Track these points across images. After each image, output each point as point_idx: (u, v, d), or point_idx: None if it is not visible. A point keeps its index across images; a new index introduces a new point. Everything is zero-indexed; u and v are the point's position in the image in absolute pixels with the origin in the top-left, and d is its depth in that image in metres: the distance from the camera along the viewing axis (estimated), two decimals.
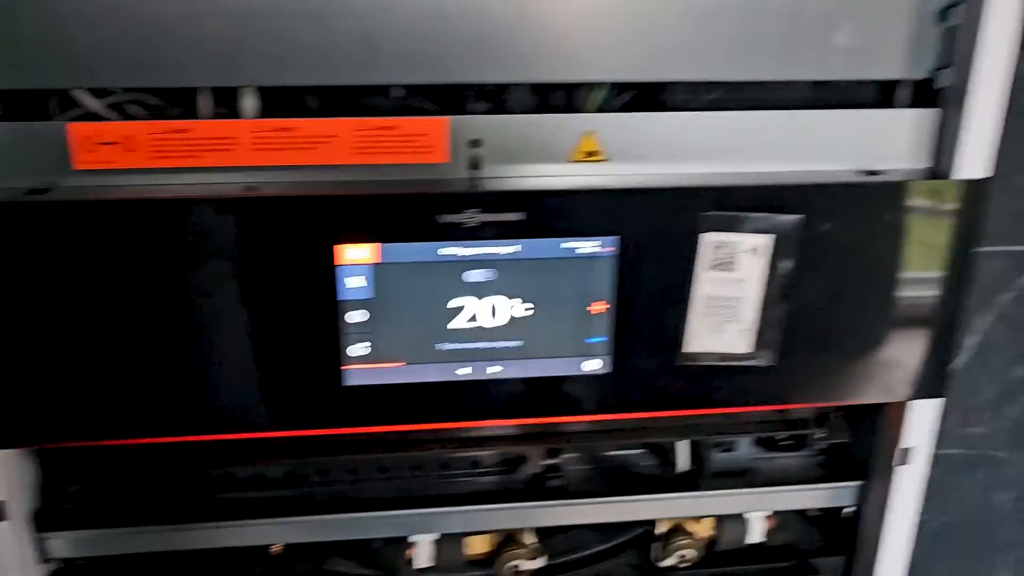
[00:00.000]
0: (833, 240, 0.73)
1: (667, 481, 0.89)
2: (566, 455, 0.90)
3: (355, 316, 0.70)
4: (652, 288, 0.73)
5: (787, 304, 0.74)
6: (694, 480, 0.88)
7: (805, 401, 0.79)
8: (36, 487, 0.82)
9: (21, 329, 0.67)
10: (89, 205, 0.65)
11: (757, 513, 0.90)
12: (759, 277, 0.73)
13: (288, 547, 0.88)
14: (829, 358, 0.77)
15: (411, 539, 0.84)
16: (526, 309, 0.72)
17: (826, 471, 0.93)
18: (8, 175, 0.67)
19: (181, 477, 0.83)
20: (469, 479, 0.87)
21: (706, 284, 0.72)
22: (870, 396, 0.79)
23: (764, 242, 0.72)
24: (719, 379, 0.76)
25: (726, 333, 0.74)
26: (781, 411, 0.87)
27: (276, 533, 0.83)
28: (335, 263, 0.68)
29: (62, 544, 0.80)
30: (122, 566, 0.86)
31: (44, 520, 0.81)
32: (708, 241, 0.71)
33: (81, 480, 0.81)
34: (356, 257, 0.68)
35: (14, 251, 0.64)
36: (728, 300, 0.73)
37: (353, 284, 0.69)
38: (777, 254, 0.72)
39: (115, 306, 0.67)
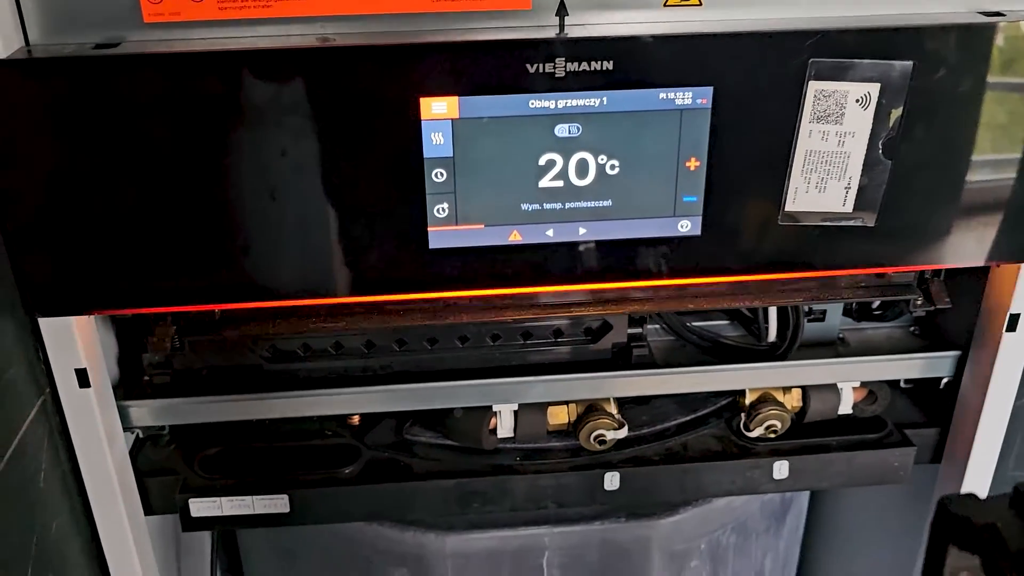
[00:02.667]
0: (947, 89, 0.67)
1: (755, 351, 0.86)
2: (651, 327, 0.87)
3: (435, 176, 0.66)
4: (749, 143, 0.68)
5: (893, 159, 0.69)
6: (784, 349, 0.85)
7: (908, 264, 0.75)
8: (115, 357, 0.83)
9: (92, 190, 0.64)
10: (160, 58, 0.61)
11: (848, 383, 0.86)
12: (866, 129, 0.67)
13: (367, 417, 0.88)
14: (934, 218, 0.72)
15: (494, 408, 0.83)
16: (613, 166, 0.67)
17: (922, 341, 0.89)
18: (76, 30, 0.63)
19: (260, 346, 0.83)
20: (551, 348, 0.85)
21: (808, 138, 0.67)
22: (978, 258, 0.74)
23: (873, 91, 0.66)
24: (817, 240, 0.72)
25: (828, 191, 0.69)
26: (879, 276, 0.82)
27: (354, 403, 0.82)
28: (418, 117, 0.64)
29: (144, 413, 0.81)
30: (204, 435, 0.86)
31: (125, 389, 0.82)
32: (812, 91, 0.66)
33: (169, 349, 0.81)
34: (435, 112, 0.64)
35: (85, 107, 0.62)
36: (831, 155, 0.68)
37: (434, 141, 0.65)
38: (886, 104, 0.67)
39: (187, 165, 0.64)
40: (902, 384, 0.92)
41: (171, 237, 0.67)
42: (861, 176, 0.69)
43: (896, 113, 0.67)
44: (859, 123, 0.67)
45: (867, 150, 0.68)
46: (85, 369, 0.72)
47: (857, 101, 0.66)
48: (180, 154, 0.64)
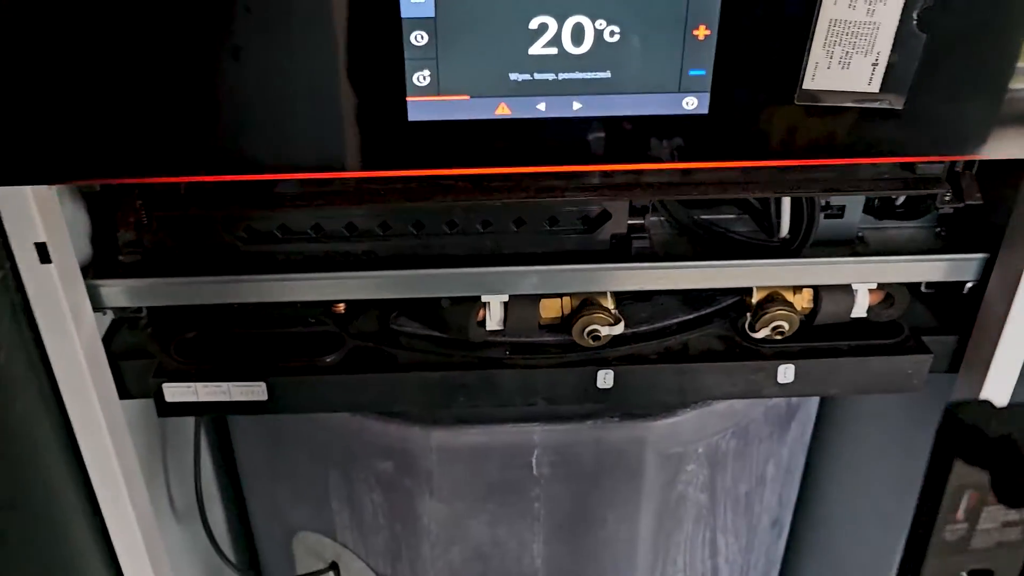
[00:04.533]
0: None
1: (766, 246, 0.81)
2: (654, 219, 0.81)
3: (414, 39, 0.60)
4: (766, 9, 0.60)
5: (928, 33, 0.61)
6: (796, 245, 0.79)
7: (937, 154, 0.68)
8: (87, 234, 0.79)
9: (40, 50, 0.59)
10: None
11: (864, 285, 0.80)
12: None
13: (351, 305, 0.84)
14: (970, 104, 0.65)
15: (483, 299, 0.78)
16: (612, 32, 0.60)
17: (947, 242, 0.83)
18: None
19: (235, 226, 0.78)
20: (546, 237, 0.79)
21: (833, 5, 0.60)
22: (1016, 150, 0.67)
23: None
24: (837, 124, 0.65)
25: (853, 67, 0.62)
26: (904, 167, 0.75)
27: (336, 288, 0.78)
28: None
29: (114, 292, 0.76)
30: (183, 319, 0.83)
31: (97, 268, 0.78)
32: None
33: (135, 226, 0.76)
34: None
35: None
36: (858, 25, 0.61)
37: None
38: None
39: (144, 21, 0.58)
40: (923, 289, 0.86)
41: (127, 101, 0.61)
42: (891, 51, 0.62)
43: None
44: None
45: (900, 21, 0.60)
46: (45, 243, 0.68)
47: None
48: (137, 9, 0.58)
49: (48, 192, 0.68)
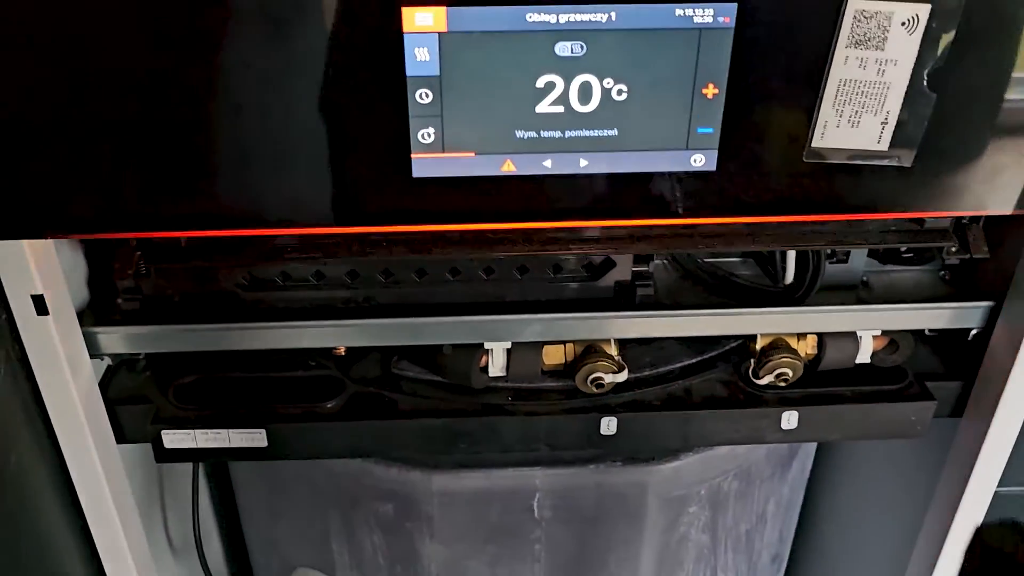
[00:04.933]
0: (1007, 12, 0.58)
1: (770, 292, 0.80)
2: (658, 263, 0.81)
3: (419, 96, 0.59)
4: (775, 69, 0.60)
5: (939, 92, 0.61)
6: (801, 293, 0.78)
7: (945, 209, 0.67)
8: (85, 280, 0.78)
9: (40, 105, 0.58)
10: None
11: (869, 332, 0.80)
12: (911, 57, 0.59)
13: (352, 348, 0.83)
14: (978, 159, 0.64)
15: (486, 346, 0.78)
16: (620, 91, 0.60)
17: (951, 287, 0.82)
18: None
19: (235, 273, 0.77)
20: (549, 284, 0.78)
21: (844, 65, 0.59)
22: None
23: (922, 13, 0.58)
24: (846, 180, 0.64)
25: (862, 125, 0.62)
26: (912, 220, 0.75)
27: (337, 336, 0.77)
28: (401, 30, 0.56)
29: (113, 340, 0.76)
30: (180, 362, 0.82)
31: (96, 314, 0.77)
32: (852, 10, 0.57)
33: (133, 276, 0.75)
34: (420, 24, 0.57)
35: (30, 9, 0.54)
36: (869, 85, 0.60)
37: (418, 57, 0.58)
38: (936, 28, 0.58)
39: (146, 77, 0.57)
40: (926, 332, 0.85)
41: (128, 157, 0.60)
42: (901, 110, 0.61)
43: (947, 39, 0.59)
44: (903, 50, 0.59)
45: (910, 81, 0.60)
46: (42, 295, 0.67)
47: (903, 24, 0.58)
48: (140, 64, 0.57)
49: (45, 245, 0.67)
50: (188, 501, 0.97)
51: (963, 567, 0.29)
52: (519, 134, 0.61)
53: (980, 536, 0.27)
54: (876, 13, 0.58)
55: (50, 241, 0.67)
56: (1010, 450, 0.81)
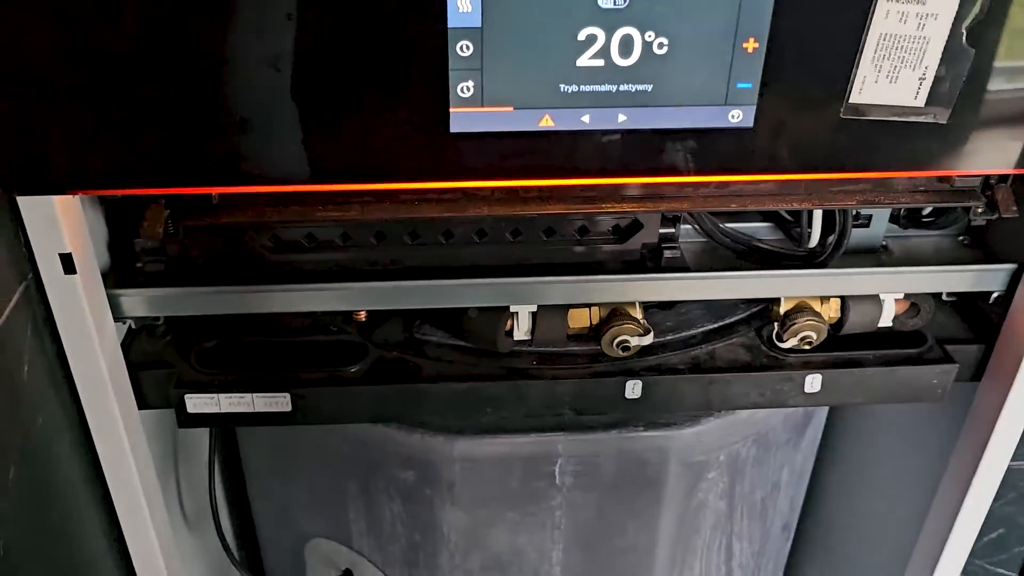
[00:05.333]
0: None
1: (794, 256, 0.80)
2: (683, 228, 0.81)
3: (460, 49, 0.59)
4: (816, 23, 0.60)
5: (976, 48, 0.61)
6: (826, 256, 0.79)
7: (977, 167, 0.68)
8: (106, 243, 0.77)
9: (72, 56, 0.57)
10: None
11: (892, 295, 0.80)
12: (951, 11, 0.59)
13: (372, 313, 0.82)
14: (1010, 117, 0.65)
15: (511, 309, 0.77)
16: (661, 44, 0.60)
17: (971, 251, 0.83)
18: None
19: (261, 235, 0.76)
20: (576, 247, 0.78)
21: (885, 19, 0.59)
22: None
23: None
24: (881, 137, 0.64)
25: (900, 81, 0.62)
26: (941, 179, 0.75)
27: (362, 298, 0.76)
28: None
29: (136, 302, 0.75)
30: (201, 326, 0.81)
31: (116, 276, 0.76)
32: None
33: (163, 234, 0.74)
34: None
35: None
36: (908, 40, 0.60)
37: (460, 8, 0.57)
38: None
39: (180, 28, 0.57)
40: (944, 296, 0.86)
41: (162, 110, 0.60)
42: (939, 66, 0.61)
43: None
44: (944, 4, 0.59)
45: (949, 36, 0.60)
46: (70, 254, 0.66)
47: None
48: (174, 20, 0.56)
49: (73, 202, 0.66)
50: (202, 470, 0.96)
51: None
52: (559, 88, 0.61)
53: None
54: None
55: (77, 199, 0.66)
56: None
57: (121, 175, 0.63)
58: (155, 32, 0.57)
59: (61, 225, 0.65)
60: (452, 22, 0.58)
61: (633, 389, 0.79)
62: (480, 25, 0.58)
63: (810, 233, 0.79)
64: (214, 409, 0.78)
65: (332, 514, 0.97)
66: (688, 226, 0.82)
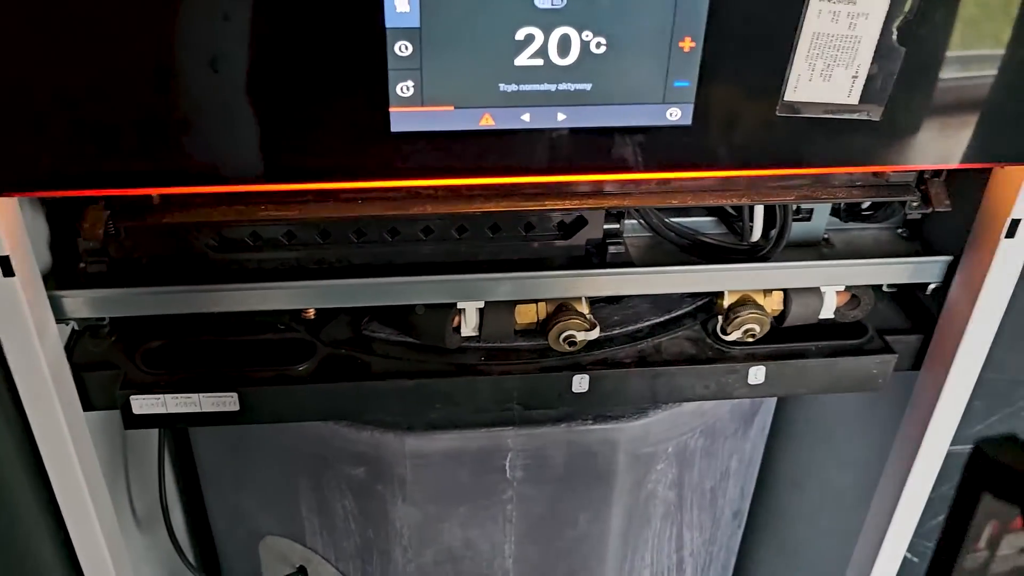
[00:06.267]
0: None
1: (737, 250, 0.81)
2: (627, 223, 0.82)
3: (398, 49, 0.59)
4: (751, 22, 0.61)
5: (906, 46, 0.62)
6: (768, 250, 0.80)
7: (911, 163, 0.69)
8: (47, 243, 0.76)
9: (2, 54, 0.56)
10: None
11: (832, 287, 0.82)
12: (882, 10, 0.60)
13: (321, 310, 0.82)
14: (942, 114, 0.66)
15: (458, 306, 0.78)
16: (599, 44, 0.60)
17: (910, 243, 0.85)
18: None
19: (205, 234, 0.76)
20: (521, 243, 0.79)
21: (817, 18, 0.60)
22: (985, 158, 0.69)
23: None
24: (816, 134, 0.66)
25: (834, 79, 0.63)
26: (876, 175, 0.77)
27: (309, 297, 0.76)
28: None
29: (79, 304, 0.74)
30: (147, 326, 0.80)
31: (58, 277, 0.75)
32: None
33: (102, 235, 0.73)
34: None
35: None
36: (840, 39, 0.61)
37: (398, 7, 0.57)
38: None
39: (116, 28, 0.56)
40: (884, 288, 0.88)
41: (99, 111, 0.59)
42: (871, 64, 0.63)
43: None
44: (874, 3, 0.60)
45: (880, 34, 0.61)
46: (7, 257, 0.65)
47: None
48: (107, 16, 0.56)
49: (10, 203, 0.65)
50: (152, 470, 0.96)
51: (963, 479, 0.30)
52: (498, 87, 0.61)
53: (980, 449, 0.28)
54: None
55: (14, 200, 0.66)
56: (966, 400, 0.84)
57: (57, 177, 0.62)
58: (91, 32, 0.56)
59: None
60: (390, 22, 0.58)
61: (580, 383, 0.80)
62: (419, 25, 0.58)
63: (752, 227, 0.80)
64: (160, 410, 0.78)
65: (285, 511, 0.97)
66: (633, 221, 0.82)
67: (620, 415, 0.87)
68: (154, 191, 0.69)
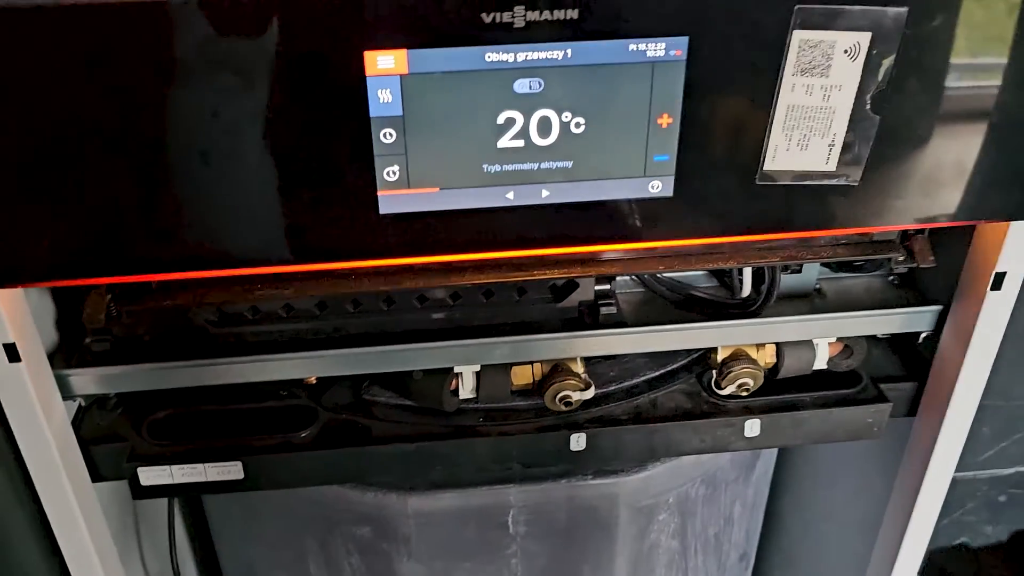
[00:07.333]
0: (942, 38, 0.61)
1: (729, 304, 0.83)
2: (620, 279, 0.83)
3: (383, 136, 0.61)
4: (726, 98, 0.62)
5: (881, 114, 0.64)
6: (758, 305, 0.81)
7: (892, 223, 0.70)
8: (53, 323, 0.78)
9: (5, 155, 0.58)
10: (79, 10, 0.54)
11: (824, 339, 0.83)
12: (854, 82, 0.62)
13: (323, 378, 0.84)
14: (921, 176, 0.68)
15: (455, 370, 0.79)
16: (578, 124, 0.62)
17: (901, 291, 0.86)
18: None
19: (205, 309, 0.78)
20: (514, 307, 0.80)
21: (791, 92, 0.62)
22: (965, 216, 0.70)
23: (863, 40, 0.60)
24: (797, 200, 0.67)
25: (810, 148, 0.64)
26: (860, 234, 0.78)
27: (308, 367, 0.78)
28: (363, 73, 0.58)
29: (85, 381, 0.76)
30: (152, 397, 0.82)
31: (66, 354, 0.77)
32: (797, 40, 0.60)
33: (104, 319, 0.75)
34: (382, 67, 0.58)
35: None
36: (815, 110, 0.63)
37: (381, 98, 0.59)
38: (877, 55, 0.61)
39: (110, 129, 0.58)
40: (879, 336, 0.88)
41: (97, 206, 0.61)
42: (847, 132, 0.64)
43: (887, 64, 0.61)
44: (847, 76, 0.62)
45: (854, 105, 0.63)
46: (14, 344, 0.67)
47: (845, 52, 0.61)
48: (103, 116, 0.58)
49: (15, 293, 0.67)
50: (164, 533, 0.97)
51: None
52: (482, 168, 0.63)
53: (930, 559, 0.29)
54: (820, 42, 0.60)
55: (19, 289, 0.68)
56: (962, 444, 0.84)
57: (59, 268, 0.64)
58: (85, 132, 0.58)
59: (3, 316, 0.66)
60: (374, 111, 0.60)
61: (577, 442, 0.81)
62: (401, 114, 0.60)
63: (742, 281, 0.81)
64: (167, 480, 0.79)
65: (295, 571, 0.98)
66: (626, 277, 0.84)
67: (619, 469, 0.89)
68: (151, 278, 0.71)
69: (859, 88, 0.62)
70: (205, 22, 0.55)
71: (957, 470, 0.86)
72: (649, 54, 0.60)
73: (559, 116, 0.61)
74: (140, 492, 0.80)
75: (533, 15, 0.57)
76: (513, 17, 0.57)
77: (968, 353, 0.79)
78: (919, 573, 0.32)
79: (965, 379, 0.80)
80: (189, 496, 1.10)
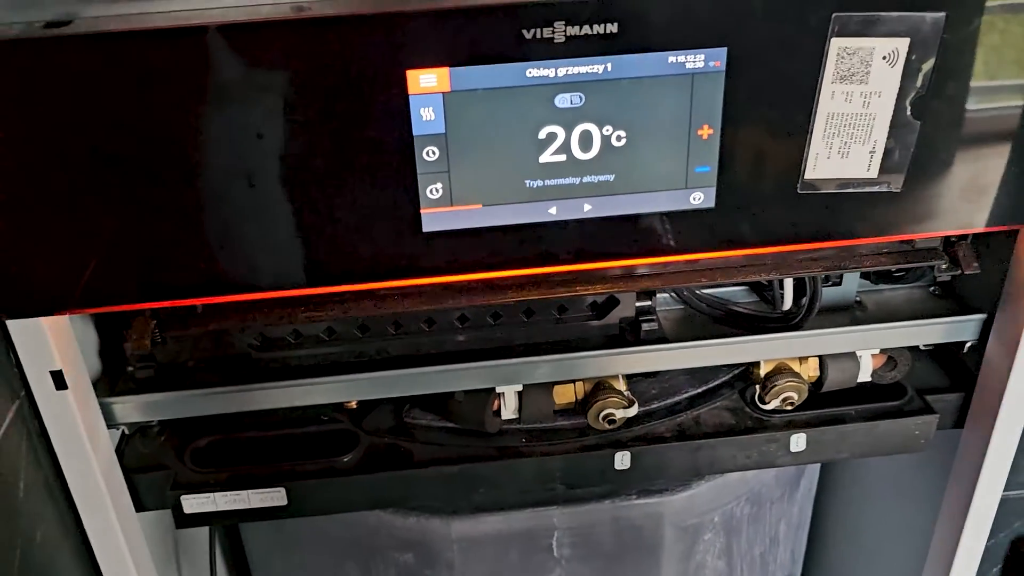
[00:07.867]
0: (981, 41, 0.61)
1: (770, 319, 0.82)
2: (659, 296, 0.83)
3: (426, 154, 0.61)
4: (766, 107, 0.62)
5: (922, 119, 0.63)
6: (800, 318, 0.81)
7: (935, 229, 0.70)
8: (96, 351, 0.79)
9: (54, 183, 0.59)
10: (121, 37, 0.55)
11: (868, 351, 0.82)
12: (893, 89, 0.62)
13: (363, 402, 0.84)
14: (963, 181, 0.67)
15: (497, 390, 0.79)
16: (619, 137, 0.62)
17: (943, 301, 0.85)
18: (22, 6, 0.57)
19: (247, 334, 0.78)
20: (555, 325, 0.80)
21: (831, 100, 0.62)
22: (1009, 221, 0.69)
23: (902, 47, 0.60)
24: (839, 208, 0.67)
25: (851, 155, 0.64)
26: (901, 242, 0.78)
27: (350, 390, 0.78)
28: (406, 92, 0.58)
29: (128, 409, 0.76)
30: (195, 425, 0.82)
31: (109, 383, 0.77)
32: (835, 48, 0.60)
33: (149, 345, 0.76)
34: (424, 85, 0.59)
35: (40, 93, 0.56)
36: (855, 117, 0.63)
37: (424, 116, 0.60)
38: (916, 60, 0.61)
39: (156, 154, 0.59)
40: (922, 347, 0.87)
41: (142, 231, 0.62)
42: (887, 139, 0.64)
43: (926, 69, 0.61)
44: (886, 82, 0.62)
45: (894, 111, 0.63)
46: (61, 371, 0.68)
47: (884, 58, 0.61)
48: (148, 142, 0.58)
49: (62, 320, 0.68)
50: (204, 561, 0.97)
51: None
52: (525, 183, 0.63)
53: (1018, 546, 0.28)
54: (858, 49, 0.60)
55: (66, 316, 0.68)
56: (1012, 457, 0.83)
57: (105, 294, 0.64)
58: (132, 159, 0.59)
59: (50, 344, 0.66)
60: (417, 130, 0.60)
61: (622, 460, 0.81)
62: (444, 131, 0.61)
63: (783, 295, 0.81)
64: (211, 508, 0.79)
65: None
66: (666, 294, 0.83)
67: (664, 488, 0.88)
68: (197, 302, 0.71)
69: (899, 94, 0.62)
70: (249, 47, 0.56)
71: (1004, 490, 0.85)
72: (688, 66, 0.60)
73: (600, 130, 0.62)
74: (184, 520, 0.80)
75: (573, 30, 0.58)
76: (553, 33, 0.58)
77: (1016, 361, 0.77)
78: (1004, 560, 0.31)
79: (1013, 388, 0.79)
80: (229, 526, 1.09)
